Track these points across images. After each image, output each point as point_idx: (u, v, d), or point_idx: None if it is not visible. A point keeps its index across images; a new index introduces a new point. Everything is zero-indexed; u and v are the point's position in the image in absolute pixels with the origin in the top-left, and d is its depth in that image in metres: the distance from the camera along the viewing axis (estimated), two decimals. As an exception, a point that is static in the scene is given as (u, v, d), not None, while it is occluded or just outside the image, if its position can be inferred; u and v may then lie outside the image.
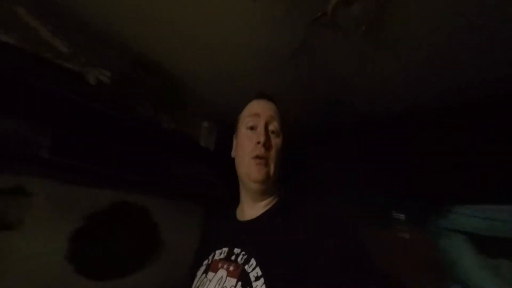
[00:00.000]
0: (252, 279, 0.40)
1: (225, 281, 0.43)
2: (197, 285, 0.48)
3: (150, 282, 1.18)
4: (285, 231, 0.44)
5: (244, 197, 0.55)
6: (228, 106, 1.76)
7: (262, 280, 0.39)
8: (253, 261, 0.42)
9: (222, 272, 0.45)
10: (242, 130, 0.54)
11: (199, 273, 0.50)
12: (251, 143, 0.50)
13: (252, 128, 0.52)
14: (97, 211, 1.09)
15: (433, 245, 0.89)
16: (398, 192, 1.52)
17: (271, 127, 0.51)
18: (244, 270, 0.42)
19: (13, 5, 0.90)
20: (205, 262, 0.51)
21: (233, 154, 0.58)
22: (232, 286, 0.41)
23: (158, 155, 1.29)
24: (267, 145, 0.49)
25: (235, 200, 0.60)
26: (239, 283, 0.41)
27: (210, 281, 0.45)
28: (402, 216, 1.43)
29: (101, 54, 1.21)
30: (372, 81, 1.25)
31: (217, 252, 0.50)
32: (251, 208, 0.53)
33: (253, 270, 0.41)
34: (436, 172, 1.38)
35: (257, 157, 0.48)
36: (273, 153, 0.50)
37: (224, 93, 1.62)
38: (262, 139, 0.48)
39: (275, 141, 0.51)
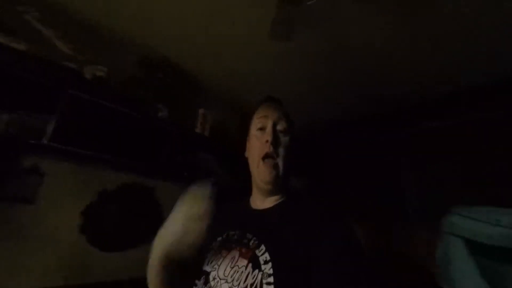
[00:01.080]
0: (262, 262, 0.44)
1: (237, 260, 0.48)
2: (211, 258, 0.53)
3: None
4: (294, 224, 0.48)
5: (255, 192, 0.60)
6: (229, 93, 1.79)
7: (270, 264, 0.43)
8: (263, 247, 0.47)
9: (235, 252, 0.50)
10: (253, 132, 0.59)
11: (213, 247, 0.56)
12: (260, 142, 0.55)
13: (261, 129, 0.57)
14: (107, 190, 1.24)
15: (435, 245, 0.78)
16: (408, 188, 1.40)
17: (279, 127, 0.56)
18: (254, 253, 0.46)
19: (17, 6, 1.03)
20: (219, 238, 0.56)
21: (246, 154, 0.63)
22: (243, 266, 0.46)
23: (158, 142, 1.38)
24: (275, 143, 0.53)
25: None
26: (250, 264, 0.46)
27: (224, 257, 0.51)
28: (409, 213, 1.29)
29: (102, 50, 1.32)
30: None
31: (231, 233, 0.55)
32: (261, 202, 0.58)
33: (263, 255, 0.45)
34: (450, 171, 1.23)
35: (266, 155, 0.53)
36: (281, 151, 0.54)
37: (225, 82, 1.64)
38: (269, 138, 0.53)
39: (284, 140, 0.55)
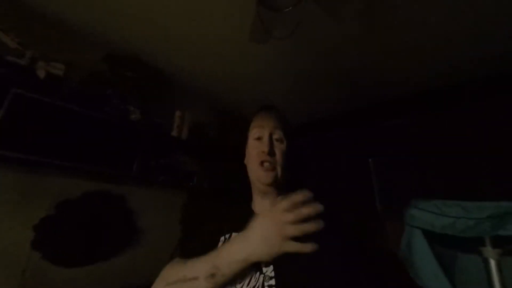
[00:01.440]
0: (263, 265, 0.45)
1: None
2: None
3: (127, 267, 1.21)
4: None
5: (255, 196, 0.61)
6: (208, 94, 1.74)
7: (271, 267, 0.44)
8: None
9: None
10: (250, 141, 0.61)
11: (217, 248, 0.55)
12: (257, 152, 0.57)
13: (258, 138, 0.59)
14: (67, 199, 1.11)
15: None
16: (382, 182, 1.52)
17: (275, 136, 0.58)
18: None
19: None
20: (222, 238, 0.56)
21: (245, 161, 0.65)
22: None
23: (129, 146, 1.28)
24: (271, 153, 0.56)
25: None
26: (252, 267, 0.45)
27: None
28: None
29: (61, 45, 1.18)
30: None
31: (234, 234, 0.55)
32: (261, 206, 0.59)
33: None
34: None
35: (263, 162, 0.55)
36: (278, 158, 0.56)
37: (204, 82, 1.59)
38: (266, 149, 0.56)
39: (280, 147, 0.57)
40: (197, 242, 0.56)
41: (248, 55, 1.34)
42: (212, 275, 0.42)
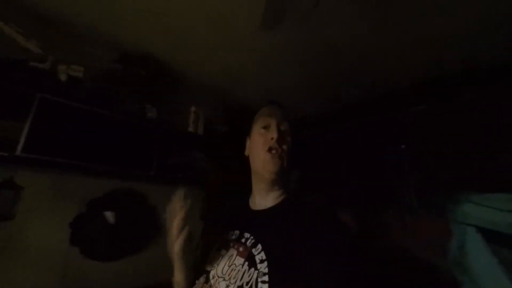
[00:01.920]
0: (257, 261, 0.45)
1: (234, 259, 0.50)
2: (211, 257, 0.56)
3: (148, 264, 1.27)
4: (291, 224, 0.49)
5: (258, 189, 0.59)
6: (218, 89, 1.70)
7: (266, 263, 0.44)
8: (259, 246, 0.47)
9: (233, 251, 0.52)
10: (256, 130, 0.60)
11: (214, 247, 0.58)
12: (265, 139, 0.56)
13: (265, 127, 0.58)
14: (96, 198, 1.17)
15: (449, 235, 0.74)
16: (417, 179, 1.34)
17: (282, 127, 0.57)
18: (251, 252, 0.48)
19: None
20: (219, 238, 0.58)
21: (246, 152, 0.64)
22: (240, 264, 0.47)
23: (147, 145, 1.29)
24: (280, 141, 0.55)
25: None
26: (246, 262, 0.47)
27: (222, 256, 0.53)
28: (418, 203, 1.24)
29: (78, 48, 1.20)
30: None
31: (230, 232, 0.57)
32: (263, 199, 0.58)
33: (259, 254, 0.46)
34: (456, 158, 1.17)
35: (271, 148, 0.54)
36: (285, 148, 0.55)
37: (215, 78, 1.55)
38: (275, 135, 0.55)
39: (287, 140, 0.57)
40: (205, 239, 0.59)
41: (259, 47, 1.27)
42: None
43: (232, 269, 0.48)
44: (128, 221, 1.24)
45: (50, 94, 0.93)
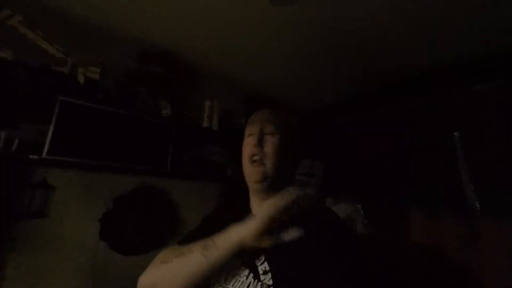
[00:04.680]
0: (261, 272, 0.44)
1: (239, 269, 0.48)
2: None
3: None
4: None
5: (254, 197, 0.59)
6: (233, 80, 1.64)
7: (270, 274, 0.43)
8: (262, 257, 0.46)
9: (237, 262, 0.49)
10: (244, 138, 0.61)
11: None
12: (249, 148, 0.56)
13: (250, 135, 0.58)
14: (122, 195, 1.21)
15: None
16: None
17: (266, 130, 0.56)
18: (254, 263, 0.47)
19: (8, 20, 0.96)
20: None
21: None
22: (244, 275, 0.46)
23: (164, 142, 1.29)
24: (261, 145, 0.54)
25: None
26: (251, 274, 0.46)
27: (225, 265, 0.50)
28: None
29: (95, 49, 1.23)
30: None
31: None
32: (260, 207, 0.55)
33: (262, 264, 0.45)
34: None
35: (252, 155, 0.54)
36: (268, 151, 0.54)
37: (229, 69, 1.50)
38: (255, 141, 0.55)
39: (271, 141, 0.55)
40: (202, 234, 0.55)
41: (273, 36, 1.18)
42: (206, 246, 0.45)
43: (236, 280, 0.47)
44: (151, 216, 1.28)
45: (70, 97, 0.96)
